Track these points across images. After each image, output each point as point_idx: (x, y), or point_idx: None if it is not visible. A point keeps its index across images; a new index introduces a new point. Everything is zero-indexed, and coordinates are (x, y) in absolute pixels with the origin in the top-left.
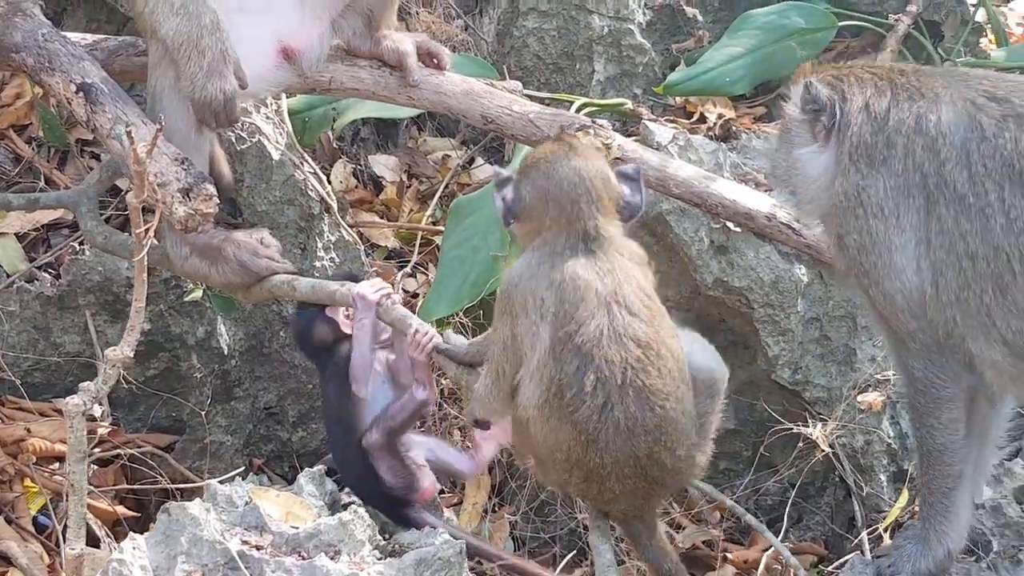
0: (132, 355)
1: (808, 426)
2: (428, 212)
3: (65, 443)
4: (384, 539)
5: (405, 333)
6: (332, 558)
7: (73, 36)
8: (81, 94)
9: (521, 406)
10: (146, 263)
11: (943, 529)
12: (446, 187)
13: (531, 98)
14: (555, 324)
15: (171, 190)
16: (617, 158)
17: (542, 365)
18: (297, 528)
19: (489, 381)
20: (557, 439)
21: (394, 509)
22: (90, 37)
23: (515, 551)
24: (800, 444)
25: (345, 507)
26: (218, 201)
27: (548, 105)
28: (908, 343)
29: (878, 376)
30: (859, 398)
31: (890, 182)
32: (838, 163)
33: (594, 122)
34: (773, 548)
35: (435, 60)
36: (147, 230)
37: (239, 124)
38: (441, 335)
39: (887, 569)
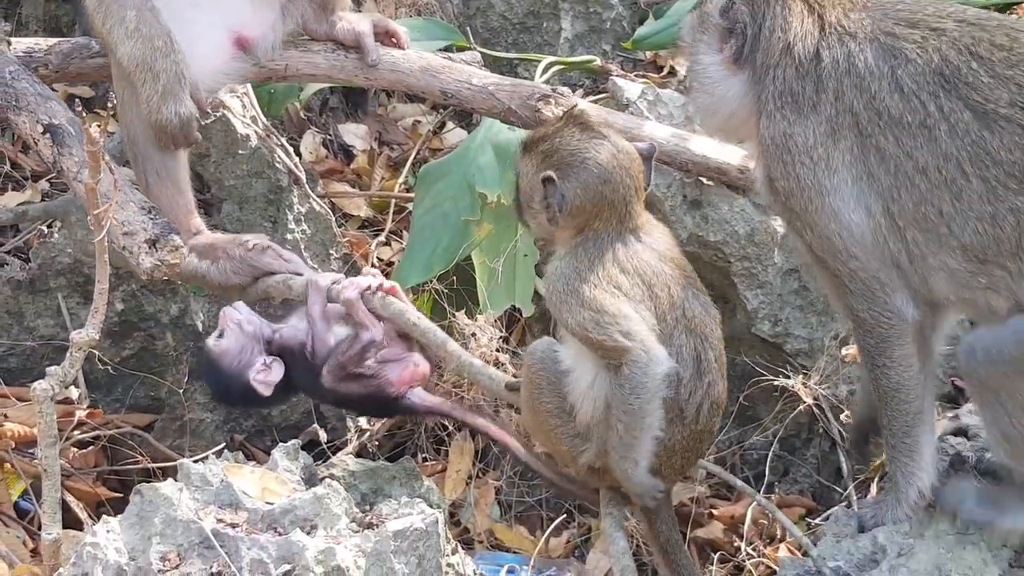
0: (97, 337)
1: (790, 378)
2: (400, 180)
3: None
4: (362, 512)
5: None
6: (308, 533)
7: (26, 41)
8: (48, 135)
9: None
10: (107, 243)
11: (910, 470)
12: (417, 153)
13: (498, 59)
14: (652, 308)
15: (138, 240)
16: None
17: None
18: (272, 504)
19: (627, 326)
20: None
21: (391, 410)
22: (43, 42)
23: (502, 516)
24: (783, 397)
25: (321, 480)
26: (185, 252)
27: (517, 65)
28: (848, 284)
29: None
30: (841, 350)
31: (819, 127)
32: (759, 104)
33: (554, 90)
34: (757, 502)
35: (393, 39)
36: (106, 209)
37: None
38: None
39: (869, 520)
